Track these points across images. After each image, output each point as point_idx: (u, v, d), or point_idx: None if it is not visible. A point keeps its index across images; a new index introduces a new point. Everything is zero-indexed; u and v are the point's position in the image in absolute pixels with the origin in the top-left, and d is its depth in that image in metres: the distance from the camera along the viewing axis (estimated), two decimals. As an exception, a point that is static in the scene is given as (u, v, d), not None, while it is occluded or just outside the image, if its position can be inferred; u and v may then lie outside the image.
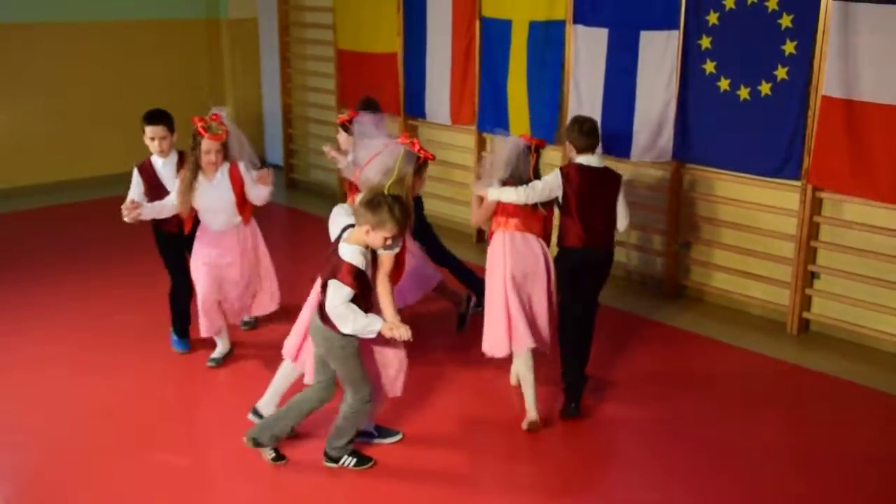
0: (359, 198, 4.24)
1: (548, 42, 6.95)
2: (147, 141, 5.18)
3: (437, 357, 5.53)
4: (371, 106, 5.75)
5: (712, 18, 5.96)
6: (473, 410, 4.91)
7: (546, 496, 4.15)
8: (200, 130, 4.90)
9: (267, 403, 4.60)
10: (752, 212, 6.12)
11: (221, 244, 5.14)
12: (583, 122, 4.92)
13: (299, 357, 4.48)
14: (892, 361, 5.55)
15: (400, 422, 4.69)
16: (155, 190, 5.17)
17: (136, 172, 5.22)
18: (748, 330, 6.03)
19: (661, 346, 5.82)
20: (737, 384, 5.28)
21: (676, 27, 6.15)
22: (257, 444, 4.28)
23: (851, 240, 5.70)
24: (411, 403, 4.82)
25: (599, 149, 4.99)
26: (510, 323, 4.68)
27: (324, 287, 4.03)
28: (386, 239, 3.91)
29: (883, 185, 5.37)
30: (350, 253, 3.93)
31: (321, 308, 4.04)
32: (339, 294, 3.90)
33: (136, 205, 4.96)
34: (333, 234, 4.13)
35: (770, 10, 5.67)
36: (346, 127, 5.55)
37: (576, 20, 6.72)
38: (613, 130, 6.62)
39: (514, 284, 4.70)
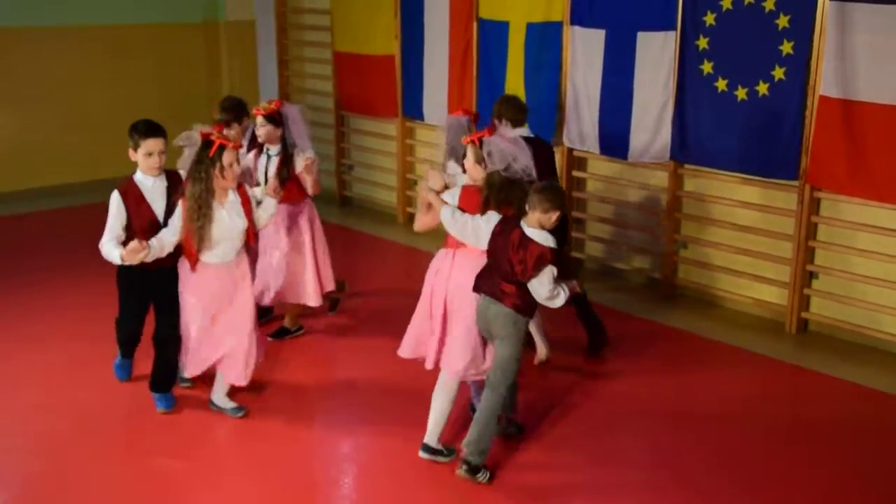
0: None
1: (545, 43, 6.95)
2: (140, 157, 4.45)
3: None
4: (240, 103, 5.71)
5: (709, 19, 5.96)
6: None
7: (543, 495, 4.17)
8: (221, 141, 4.32)
9: (432, 433, 4.37)
10: (750, 212, 6.13)
11: (219, 281, 4.55)
12: (512, 99, 5.45)
13: None
14: (890, 361, 5.55)
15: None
16: (139, 218, 4.47)
17: (117, 199, 4.45)
18: (747, 330, 6.03)
19: (659, 347, 5.82)
20: (735, 384, 5.27)
21: (674, 28, 6.15)
22: (475, 470, 4.17)
23: (849, 239, 5.71)
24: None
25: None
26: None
27: (511, 280, 4.10)
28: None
29: (880, 185, 5.38)
30: (545, 238, 4.09)
31: (505, 297, 4.12)
32: (551, 277, 4.09)
33: (144, 245, 4.29)
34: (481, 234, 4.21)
35: (767, 10, 5.67)
36: (274, 118, 5.32)
37: (573, 21, 6.72)
38: (611, 131, 6.62)
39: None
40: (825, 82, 5.49)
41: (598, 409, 4.96)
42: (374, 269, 7.31)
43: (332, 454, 4.55)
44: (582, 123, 6.81)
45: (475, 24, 7.45)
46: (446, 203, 4.33)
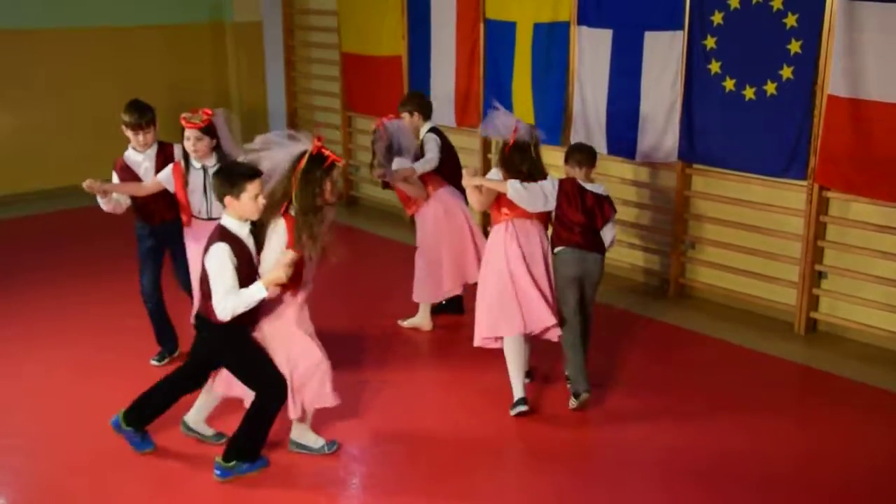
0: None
1: (552, 43, 6.94)
2: (247, 202, 3.91)
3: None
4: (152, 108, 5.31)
5: (717, 18, 5.95)
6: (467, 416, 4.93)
7: (543, 499, 4.16)
8: (334, 157, 4.02)
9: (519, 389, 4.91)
10: (759, 212, 6.11)
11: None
12: (423, 96, 6.17)
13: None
14: (900, 361, 5.54)
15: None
16: (245, 268, 4.00)
17: (228, 251, 3.90)
18: (755, 330, 6.01)
19: (667, 347, 5.81)
20: (744, 384, 5.25)
21: (681, 27, 6.14)
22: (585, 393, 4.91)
23: (858, 239, 5.68)
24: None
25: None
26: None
27: (594, 225, 4.89)
28: None
29: (889, 184, 5.35)
30: (604, 189, 4.99)
31: (594, 245, 4.91)
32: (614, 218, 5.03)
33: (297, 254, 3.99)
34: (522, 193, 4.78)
35: (775, 9, 5.66)
36: (211, 130, 4.87)
37: (580, 21, 6.71)
38: (618, 131, 6.61)
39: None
40: (833, 81, 5.47)
41: (600, 408, 4.96)
42: (381, 269, 7.29)
43: (346, 451, 4.54)
44: (589, 123, 6.80)
45: (482, 25, 7.44)
46: (505, 181, 4.83)
